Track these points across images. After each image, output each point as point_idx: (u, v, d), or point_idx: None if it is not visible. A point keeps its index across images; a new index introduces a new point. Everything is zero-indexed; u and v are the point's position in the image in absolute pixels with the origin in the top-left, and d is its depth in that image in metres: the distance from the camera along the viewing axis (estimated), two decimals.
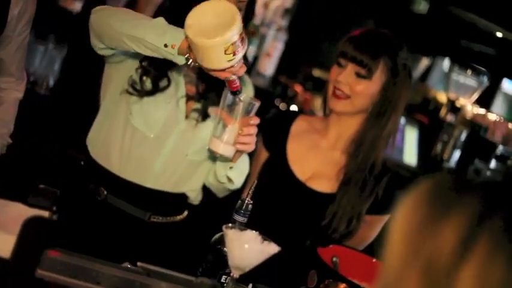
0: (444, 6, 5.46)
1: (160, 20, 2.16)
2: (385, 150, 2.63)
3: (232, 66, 2.06)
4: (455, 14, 5.51)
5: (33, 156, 3.44)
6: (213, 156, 2.43)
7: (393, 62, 2.57)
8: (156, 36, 2.12)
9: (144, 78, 2.42)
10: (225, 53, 2.00)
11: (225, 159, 2.38)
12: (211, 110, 2.47)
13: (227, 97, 2.22)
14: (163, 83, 2.43)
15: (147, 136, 2.43)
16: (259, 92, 2.74)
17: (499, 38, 5.52)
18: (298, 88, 5.47)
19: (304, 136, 2.73)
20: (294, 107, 5.20)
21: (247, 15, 2.45)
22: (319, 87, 5.36)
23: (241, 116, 2.24)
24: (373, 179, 2.61)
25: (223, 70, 2.07)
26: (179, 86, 2.46)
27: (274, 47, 5.25)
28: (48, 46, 4.19)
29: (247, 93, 2.53)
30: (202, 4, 2.07)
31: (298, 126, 2.76)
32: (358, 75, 2.56)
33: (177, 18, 2.14)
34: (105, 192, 2.44)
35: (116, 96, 2.46)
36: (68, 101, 4.01)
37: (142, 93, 2.41)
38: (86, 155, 2.52)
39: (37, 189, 1.71)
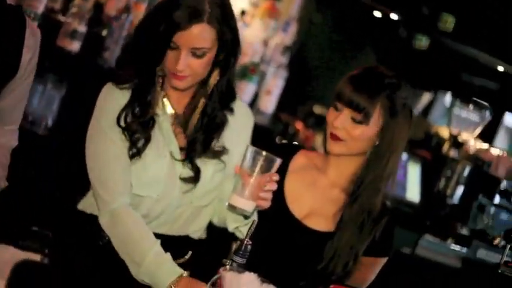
0: (445, 42, 5.46)
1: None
2: (385, 191, 2.59)
3: None
4: (456, 49, 5.52)
5: (28, 199, 3.40)
6: (219, 199, 2.45)
7: (391, 102, 2.50)
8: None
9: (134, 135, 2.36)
10: None
11: (243, 214, 2.34)
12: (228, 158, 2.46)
13: (248, 155, 2.24)
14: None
15: (151, 197, 2.40)
16: (259, 130, 2.70)
17: (501, 72, 5.52)
18: (299, 125, 5.45)
19: (303, 172, 2.66)
20: None
21: (230, 58, 2.40)
22: (320, 123, 5.33)
23: (262, 173, 2.23)
24: (372, 220, 2.56)
25: None
26: (170, 137, 2.41)
27: (275, 84, 5.21)
28: (47, 86, 4.17)
29: (245, 121, 2.55)
30: None
31: (297, 161, 2.68)
32: (354, 120, 2.50)
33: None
34: (107, 237, 2.38)
35: None
36: (67, 141, 3.98)
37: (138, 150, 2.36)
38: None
39: (29, 232, 1.68)
